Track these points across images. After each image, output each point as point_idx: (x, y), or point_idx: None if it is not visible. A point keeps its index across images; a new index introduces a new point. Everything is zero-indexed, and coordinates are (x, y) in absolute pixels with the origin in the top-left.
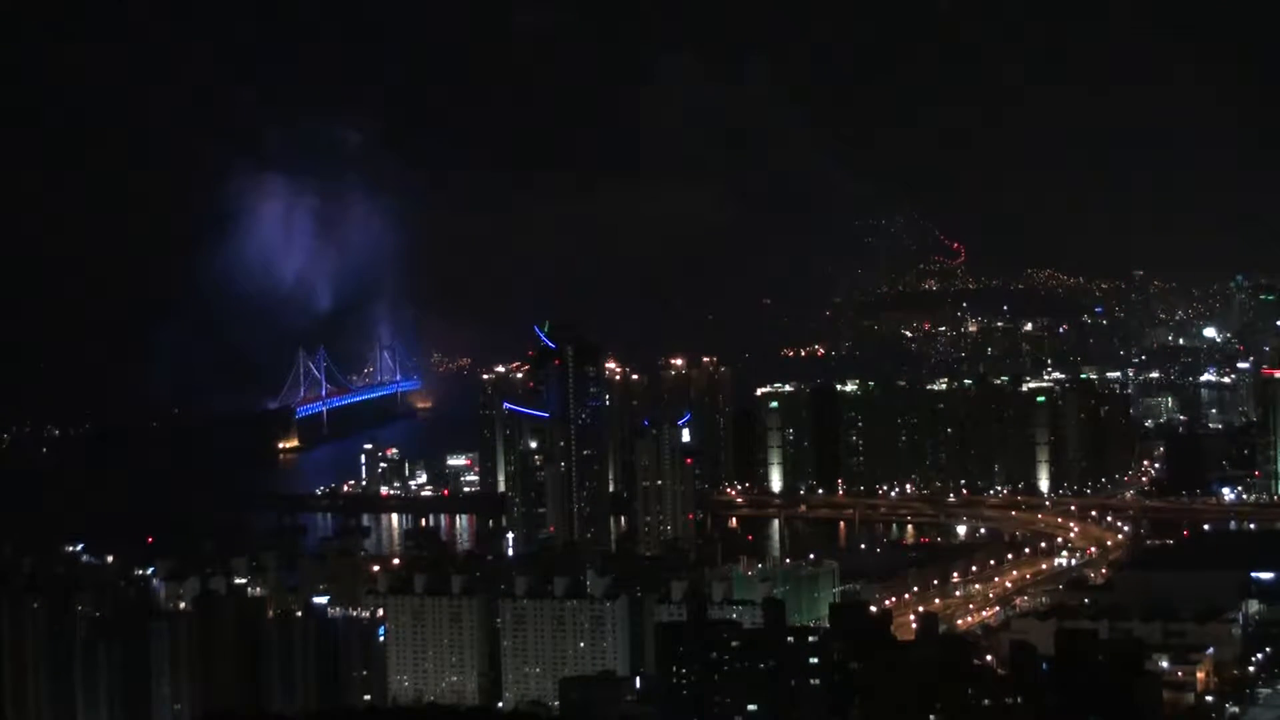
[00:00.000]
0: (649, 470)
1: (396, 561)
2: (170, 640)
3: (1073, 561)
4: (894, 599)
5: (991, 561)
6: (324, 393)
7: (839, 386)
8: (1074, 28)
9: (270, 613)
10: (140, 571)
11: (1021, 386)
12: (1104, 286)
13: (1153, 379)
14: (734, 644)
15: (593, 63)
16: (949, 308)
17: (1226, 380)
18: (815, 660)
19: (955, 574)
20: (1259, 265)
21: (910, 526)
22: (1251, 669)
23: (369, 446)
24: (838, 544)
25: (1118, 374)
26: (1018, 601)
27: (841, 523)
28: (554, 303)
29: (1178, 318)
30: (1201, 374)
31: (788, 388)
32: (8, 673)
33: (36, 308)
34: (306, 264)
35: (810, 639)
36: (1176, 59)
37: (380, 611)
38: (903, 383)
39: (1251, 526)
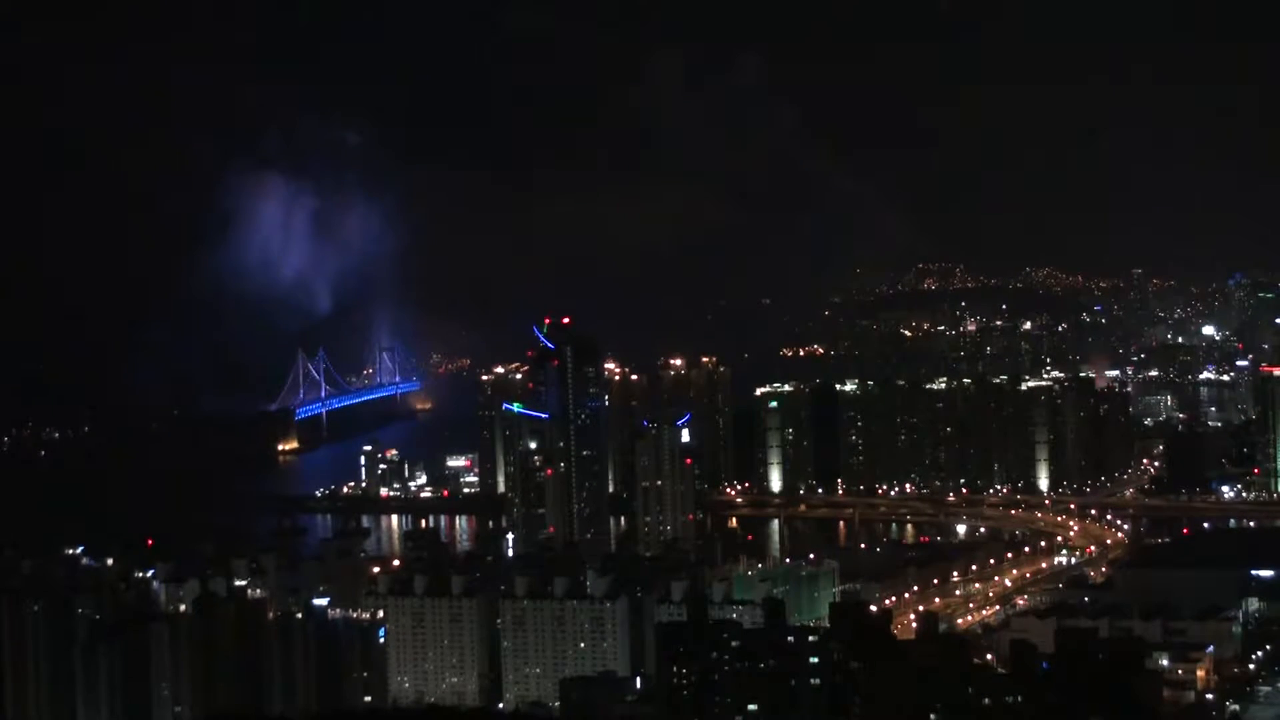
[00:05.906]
0: (649, 470)
1: (396, 563)
2: (170, 642)
3: (1072, 560)
4: (894, 598)
5: (991, 560)
6: (323, 394)
7: (838, 386)
8: (1074, 27)
9: (270, 614)
10: (140, 574)
11: (1020, 385)
12: (1103, 285)
13: (1152, 377)
14: (734, 644)
15: (593, 63)
16: (948, 307)
17: (1225, 378)
18: (815, 660)
19: (955, 573)
20: (1257, 263)
21: (910, 526)
22: (1252, 667)
23: (369, 448)
24: (838, 543)
25: (1116, 372)
26: (1018, 600)
27: (841, 522)
28: (553, 303)
29: (1176, 316)
30: (1200, 372)
31: (787, 387)
32: (8, 675)
33: (36, 308)
34: (306, 265)
35: (810, 639)
36: (1176, 57)
37: (380, 613)
38: (902, 382)
39: (1251, 524)
